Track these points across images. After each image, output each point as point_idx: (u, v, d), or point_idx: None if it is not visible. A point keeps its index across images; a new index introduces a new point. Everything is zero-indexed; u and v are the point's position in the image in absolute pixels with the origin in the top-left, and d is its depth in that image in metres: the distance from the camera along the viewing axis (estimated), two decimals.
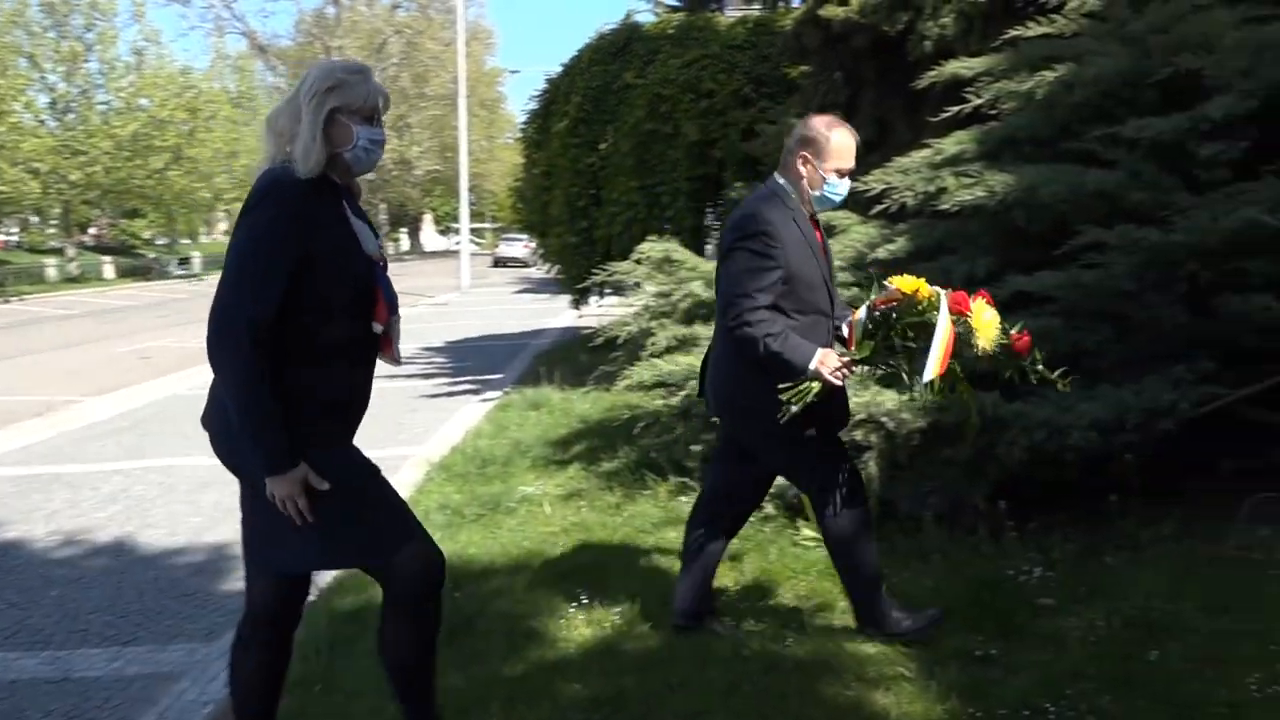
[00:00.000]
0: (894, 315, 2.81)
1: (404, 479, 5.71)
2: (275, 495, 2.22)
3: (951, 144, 4.92)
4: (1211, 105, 3.97)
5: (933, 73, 5.46)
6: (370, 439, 2.49)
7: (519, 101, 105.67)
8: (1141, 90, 4.38)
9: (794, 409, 2.81)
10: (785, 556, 3.97)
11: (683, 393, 4.91)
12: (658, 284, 5.85)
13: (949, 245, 4.86)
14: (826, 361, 2.82)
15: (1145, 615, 3.19)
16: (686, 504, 4.74)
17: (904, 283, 2.80)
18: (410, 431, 7.63)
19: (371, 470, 2.38)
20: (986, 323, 2.77)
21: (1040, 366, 2.96)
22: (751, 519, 4.39)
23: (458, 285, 26.75)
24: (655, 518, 4.63)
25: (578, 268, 10.46)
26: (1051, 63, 4.59)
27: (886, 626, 3.14)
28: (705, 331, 5.38)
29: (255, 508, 2.34)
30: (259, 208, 2.22)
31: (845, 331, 3.04)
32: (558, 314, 16.72)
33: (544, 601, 3.68)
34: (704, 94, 9.73)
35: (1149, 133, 4.12)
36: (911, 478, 4.15)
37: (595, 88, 10.50)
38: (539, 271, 16.27)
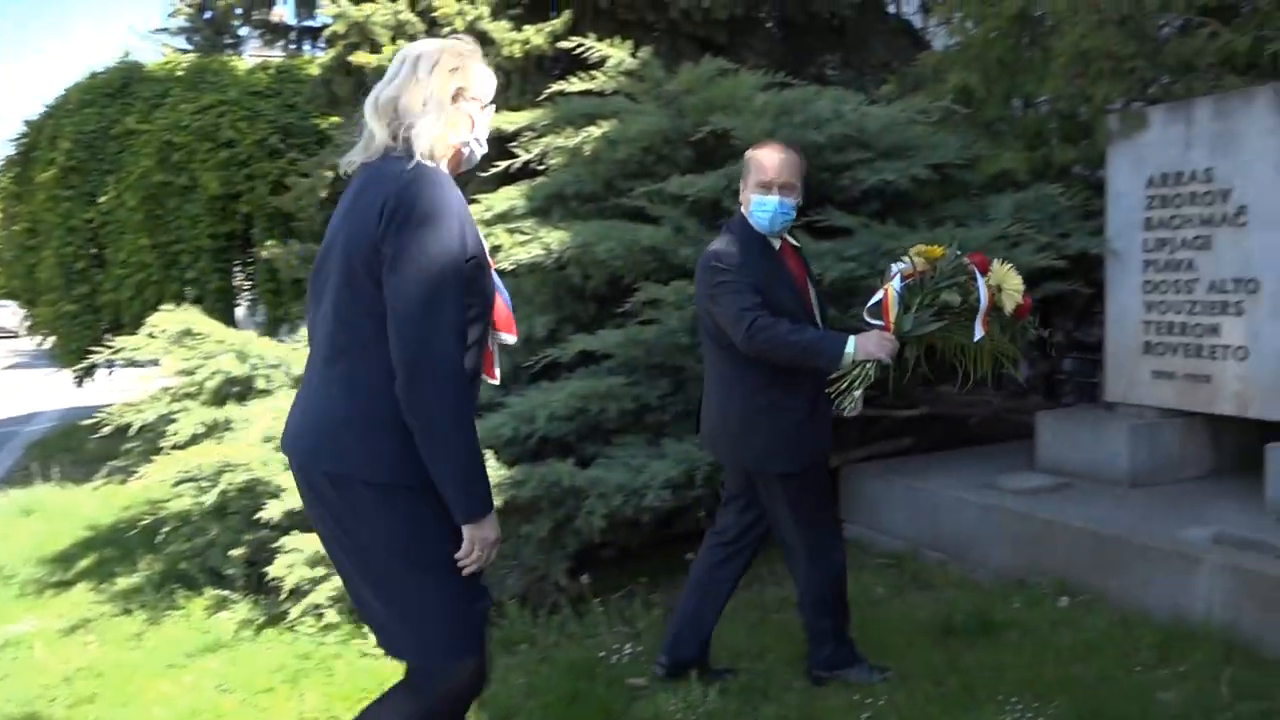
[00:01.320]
0: (924, 284, 2.78)
1: None
2: (480, 542, 1.89)
3: (501, 200, 4.75)
4: None
5: None
6: None
7: None
8: (679, 148, 4.51)
9: (856, 394, 2.77)
10: (355, 672, 3.43)
11: (216, 488, 4.17)
12: (179, 360, 4.99)
13: None
14: (868, 341, 2.72)
15: (737, 679, 3.12)
16: (229, 621, 4.01)
17: (927, 251, 2.81)
18: None
19: None
20: (1012, 282, 2.82)
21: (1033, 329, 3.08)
22: (312, 629, 3.83)
23: None
24: (190, 645, 3.82)
25: (79, 340, 9.05)
26: (594, 119, 4.58)
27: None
28: (240, 413, 4.66)
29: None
30: (429, 212, 1.83)
31: (868, 316, 2.91)
32: (59, 393, 14.28)
33: None
34: (224, 143, 8.84)
35: (691, 190, 4.22)
36: None
37: (89, 132, 9.14)
38: (32, 343, 13.69)
